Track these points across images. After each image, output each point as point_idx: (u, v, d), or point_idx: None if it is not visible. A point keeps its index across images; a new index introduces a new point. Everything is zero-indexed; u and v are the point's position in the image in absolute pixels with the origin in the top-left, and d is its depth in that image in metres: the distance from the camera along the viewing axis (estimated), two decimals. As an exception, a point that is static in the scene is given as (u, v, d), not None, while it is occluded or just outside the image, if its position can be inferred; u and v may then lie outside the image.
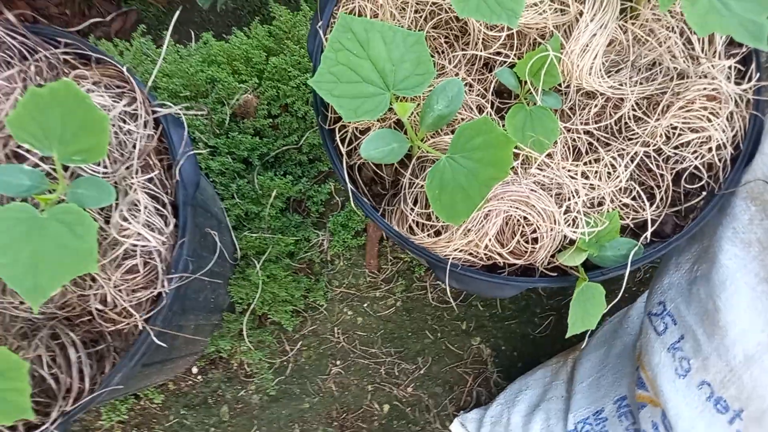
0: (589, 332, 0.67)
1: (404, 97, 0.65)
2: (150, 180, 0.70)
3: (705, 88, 0.68)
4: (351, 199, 0.69)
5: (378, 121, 0.72)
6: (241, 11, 1.90)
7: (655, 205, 0.69)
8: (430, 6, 0.74)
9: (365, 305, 1.09)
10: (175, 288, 0.67)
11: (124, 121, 0.71)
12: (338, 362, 1.07)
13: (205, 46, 1.17)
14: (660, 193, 0.69)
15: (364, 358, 1.07)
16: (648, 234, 0.66)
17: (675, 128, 0.69)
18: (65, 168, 0.67)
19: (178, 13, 0.80)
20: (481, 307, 1.08)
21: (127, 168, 0.69)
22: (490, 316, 1.08)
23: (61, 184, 0.64)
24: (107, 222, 0.68)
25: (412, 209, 0.70)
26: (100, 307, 0.66)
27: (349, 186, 0.68)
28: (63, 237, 0.61)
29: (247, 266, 1.03)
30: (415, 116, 0.70)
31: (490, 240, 0.65)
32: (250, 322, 1.02)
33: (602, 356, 0.92)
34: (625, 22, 0.71)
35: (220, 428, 1.05)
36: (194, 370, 1.05)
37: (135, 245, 0.65)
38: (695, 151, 0.68)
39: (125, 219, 0.65)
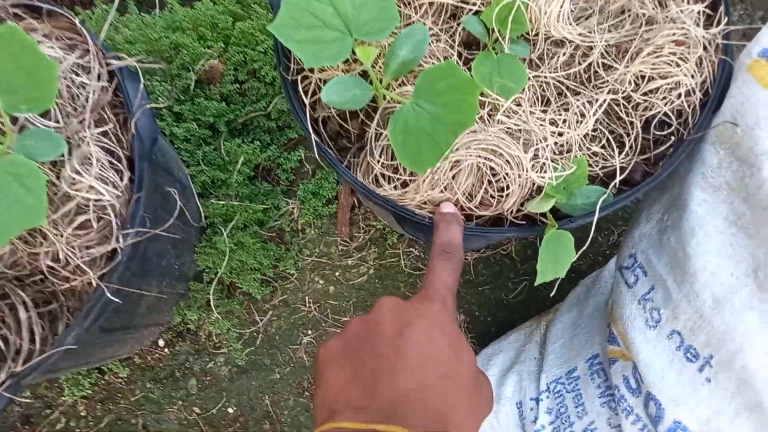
0: (556, 286, 0.65)
1: (368, 43, 0.63)
2: (104, 134, 0.67)
3: (674, 33, 0.67)
4: (315, 150, 0.67)
5: (342, 72, 0.70)
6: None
7: (624, 153, 0.68)
8: (395, -46, 0.72)
9: (337, 274, 1.07)
10: (132, 245, 0.65)
11: (77, 74, 0.68)
12: (309, 332, 1.05)
13: (170, 12, 1.13)
14: (629, 140, 0.68)
15: (336, 327, 1.05)
16: (617, 181, 0.65)
17: (644, 75, 0.68)
18: (13, 120, 0.64)
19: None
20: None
21: (80, 122, 0.66)
22: (464, 283, 1.07)
23: (9, 136, 0.61)
24: (58, 177, 0.65)
25: (378, 160, 0.68)
26: (51, 264, 0.63)
27: (313, 137, 0.66)
28: (11, 189, 0.58)
29: (214, 234, 1.00)
30: (380, 65, 0.68)
31: (458, 189, 0.63)
32: (218, 291, 1.00)
33: (575, 317, 0.91)
34: (594, -33, 0.69)
35: (188, 401, 1.03)
36: (161, 342, 1.02)
37: (87, 199, 0.63)
38: (664, 98, 0.67)
39: (77, 172, 0.63)
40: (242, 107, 1.06)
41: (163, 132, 1.00)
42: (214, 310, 1.00)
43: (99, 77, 0.68)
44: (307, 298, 1.05)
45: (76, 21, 0.69)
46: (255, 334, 1.04)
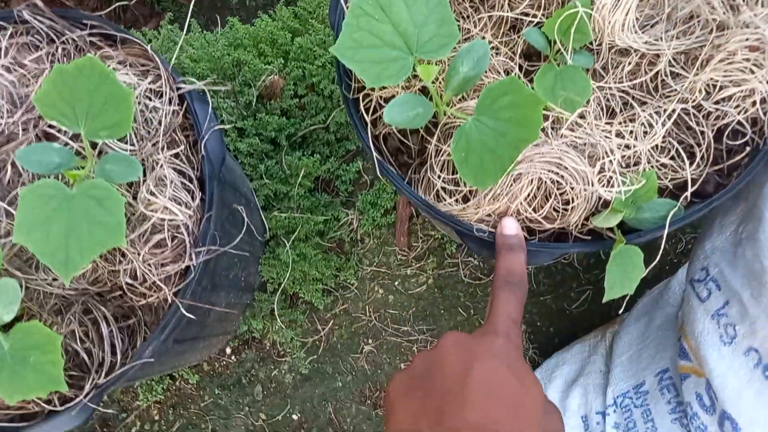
0: (626, 301, 0.64)
1: (428, 61, 0.63)
2: (176, 155, 0.70)
3: (747, 39, 0.64)
4: (377, 168, 0.68)
5: (402, 88, 0.70)
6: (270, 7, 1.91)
7: (695, 164, 0.66)
8: (454, -31, 0.72)
9: (396, 283, 1.08)
10: (203, 262, 0.67)
11: (150, 99, 0.71)
12: (370, 341, 1.06)
13: (231, 30, 1.17)
14: (701, 150, 0.66)
15: (396, 336, 1.06)
16: (688, 194, 0.63)
17: (715, 83, 0.65)
18: (93, 145, 0.68)
19: (189, 16, 0.80)
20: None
21: (154, 144, 0.69)
22: (524, 292, 1.06)
23: (89, 161, 0.64)
24: (135, 198, 0.68)
25: (439, 176, 0.68)
26: (129, 281, 0.66)
27: (374, 154, 0.67)
28: (92, 211, 0.61)
29: (277, 246, 1.03)
30: (440, 81, 0.68)
31: (521, 204, 0.63)
32: (281, 301, 1.03)
33: (642, 329, 0.89)
34: (660, -27, 0.68)
35: (254, 407, 1.06)
36: (228, 350, 1.06)
37: (162, 219, 0.66)
38: (738, 106, 0.65)
39: (152, 193, 0.66)
40: (302, 121, 1.08)
41: (228, 147, 1.03)
42: (278, 319, 1.02)
43: (170, 101, 0.71)
44: (367, 307, 1.07)
45: (148, 48, 0.72)
46: (317, 342, 1.06)
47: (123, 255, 0.67)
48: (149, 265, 0.66)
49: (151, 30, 1.21)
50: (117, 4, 1.83)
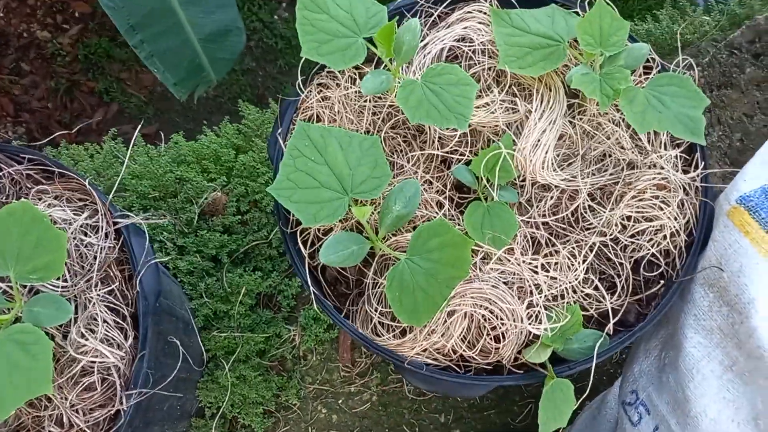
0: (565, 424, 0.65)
1: (362, 201, 0.66)
2: (110, 292, 0.69)
3: (654, 178, 0.70)
4: (314, 303, 0.69)
5: (339, 221, 0.73)
6: (221, 98, 1.96)
7: (616, 295, 0.70)
8: (387, 108, 0.77)
9: (340, 401, 1.06)
10: (135, 404, 0.65)
11: (86, 234, 0.71)
12: (314, 465, 1.02)
13: (175, 146, 1.19)
14: (620, 281, 0.70)
15: (341, 458, 1.03)
16: (611, 326, 0.66)
17: (630, 217, 0.71)
18: (23, 285, 0.67)
19: (139, 127, 0.82)
20: (459, 398, 1.06)
21: (87, 281, 0.68)
22: (468, 407, 1.06)
23: (17, 303, 0.63)
24: (65, 337, 0.66)
25: (376, 309, 0.69)
26: (55, 429, 0.63)
27: (312, 290, 0.68)
28: (17, 358, 0.59)
29: (216, 368, 1.00)
30: (375, 217, 0.71)
31: (455, 341, 0.64)
32: (220, 426, 0.99)
33: (583, 446, 0.89)
34: (573, 117, 0.74)
35: None
36: (162, 481, 1.00)
37: (93, 362, 0.64)
38: (651, 239, 0.70)
39: (83, 336, 0.64)
40: (244, 237, 1.09)
41: (167, 266, 1.02)
42: (215, 445, 0.98)
43: (107, 236, 0.71)
44: (310, 428, 1.04)
45: (86, 183, 0.72)
46: (257, 467, 1.02)
47: (49, 400, 0.64)
48: (77, 410, 0.63)
49: (93, 144, 1.22)
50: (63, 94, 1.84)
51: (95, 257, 0.70)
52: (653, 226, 0.70)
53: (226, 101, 2.02)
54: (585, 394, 0.64)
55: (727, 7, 1.15)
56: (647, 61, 0.74)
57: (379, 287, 0.70)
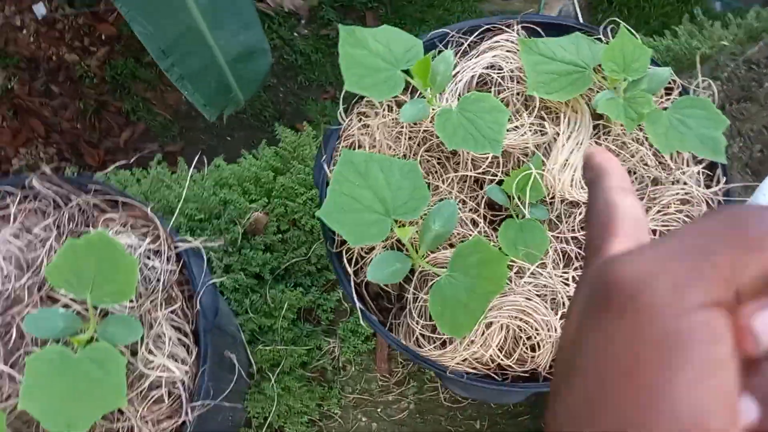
0: None
1: (403, 222, 0.71)
2: (173, 311, 0.75)
3: (677, 193, 0.74)
4: (360, 317, 0.74)
5: (381, 240, 0.78)
6: (243, 115, 2.03)
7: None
8: (422, 133, 0.82)
9: (379, 410, 1.10)
10: (197, 415, 0.71)
11: (149, 258, 0.77)
12: (356, 471, 1.07)
13: (217, 169, 1.26)
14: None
15: (382, 465, 1.07)
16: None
17: (655, 231, 0.75)
18: (95, 307, 0.73)
19: (180, 157, 0.88)
20: (493, 405, 1.10)
21: (152, 302, 0.74)
22: (502, 414, 1.10)
23: (92, 323, 0.69)
24: (134, 354, 0.72)
25: (417, 322, 0.74)
26: (128, 438, 0.69)
27: (358, 305, 0.73)
28: (94, 375, 0.65)
29: (262, 380, 1.06)
30: (415, 236, 0.76)
31: (493, 350, 0.69)
32: (267, 435, 1.04)
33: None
34: (599, 138, 0.78)
35: None
36: (214, 488, 1.05)
37: (160, 377, 0.70)
38: (676, 252, 0.74)
39: (151, 352, 0.70)
40: (284, 254, 1.15)
41: (216, 286, 1.08)
42: (262, 453, 1.04)
43: (168, 260, 0.77)
44: (351, 436, 1.09)
45: (148, 210, 0.79)
46: (302, 474, 1.07)
47: (121, 413, 0.70)
48: (146, 422, 0.69)
49: (139, 170, 1.29)
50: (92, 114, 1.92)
51: (159, 279, 0.76)
52: (679, 239, 0.73)
53: (248, 118, 2.10)
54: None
55: (744, 21, 1.18)
56: (669, 82, 0.78)
57: (419, 301, 0.75)
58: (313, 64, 2.04)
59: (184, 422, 0.70)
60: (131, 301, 0.74)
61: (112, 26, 2.11)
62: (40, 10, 2.09)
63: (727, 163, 0.75)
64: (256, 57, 1.66)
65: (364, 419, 1.10)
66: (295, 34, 2.11)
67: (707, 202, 0.74)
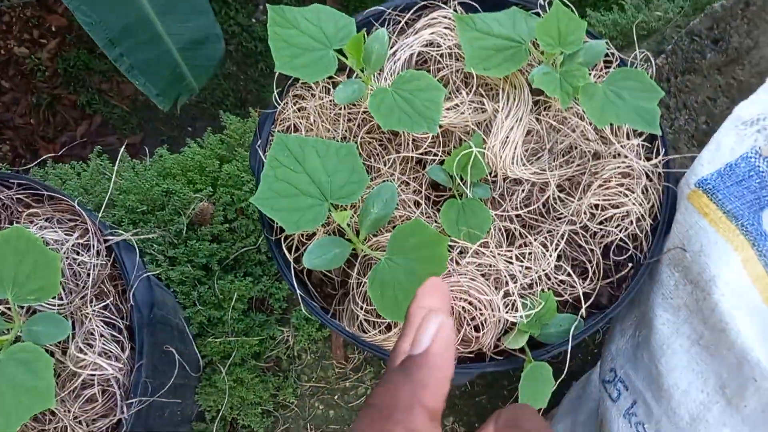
0: (553, 397, 0.68)
1: (342, 206, 0.69)
2: (105, 307, 0.72)
3: (618, 167, 0.74)
4: (302, 305, 0.72)
5: (321, 226, 0.76)
6: (204, 104, 1.98)
7: (589, 279, 0.73)
8: (362, 114, 0.80)
9: (336, 397, 1.09)
10: (135, 412, 0.68)
11: (78, 253, 0.74)
12: (314, 460, 1.06)
13: (160, 159, 1.22)
14: (592, 266, 0.74)
15: (340, 452, 1.06)
16: (584, 308, 0.70)
17: (597, 205, 0.74)
18: (20, 306, 0.69)
19: (124, 145, 0.84)
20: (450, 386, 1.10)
21: (82, 298, 0.71)
22: (460, 395, 1.09)
23: (16, 323, 0.65)
24: (64, 353, 0.69)
25: (361, 307, 0.72)
26: (60, 441, 0.66)
27: (299, 292, 0.71)
28: (20, 376, 0.62)
29: (213, 372, 1.03)
30: (354, 221, 0.74)
31: (436, 332, 0.68)
32: (220, 428, 1.02)
33: (570, 426, 0.93)
34: (539, 113, 0.77)
35: None
36: (168, 486, 1.03)
37: (92, 375, 0.67)
38: (618, 225, 0.73)
39: (81, 350, 0.67)
40: (232, 244, 1.12)
41: (159, 277, 1.05)
42: (217, 447, 1.02)
43: (98, 253, 0.74)
44: (308, 425, 1.07)
45: (75, 204, 0.75)
46: (260, 466, 1.05)
47: (53, 414, 0.67)
48: (80, 422, 0.66)
49: (80, 162, 1.24)
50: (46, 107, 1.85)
51: (88, 275, 0.72)
52: (620, 213, 0.73)
53: (209, 107, 2.04)
54: (562, 376, 0.68)
55: (688, -7, 1.18)
56: (607, 55, 0.77)
57: (363, 287, 0.74)
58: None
59: (120, 420, 0.67)
60: (60, 298, 0.71)
61: (62, 17, 2.03)
62: (-18, 2, 2.00)
63: (674, 136, 0.75)
64: (208, 43, 1.61)
65: (321, 407, 1.09)
66: (254, 20, 2.06)
67: (647, 175, 0.74)
